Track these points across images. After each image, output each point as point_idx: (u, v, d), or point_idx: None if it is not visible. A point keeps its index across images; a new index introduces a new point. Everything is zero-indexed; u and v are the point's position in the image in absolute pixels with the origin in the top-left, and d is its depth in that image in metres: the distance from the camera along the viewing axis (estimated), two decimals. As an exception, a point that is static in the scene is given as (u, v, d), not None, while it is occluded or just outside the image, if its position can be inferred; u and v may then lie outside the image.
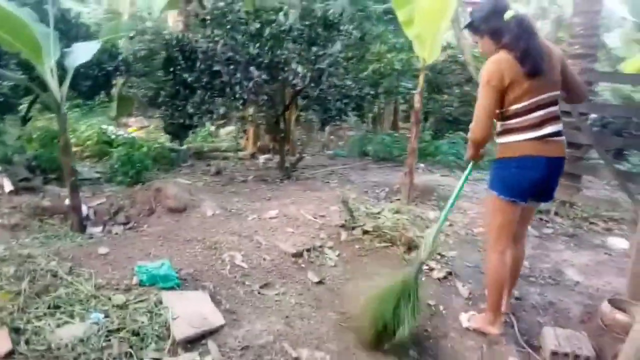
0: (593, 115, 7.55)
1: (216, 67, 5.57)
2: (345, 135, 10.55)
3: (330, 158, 8.35)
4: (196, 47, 5.83)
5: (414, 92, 5.27)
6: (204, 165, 6.99)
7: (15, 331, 2.25)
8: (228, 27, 5.73)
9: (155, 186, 4.63)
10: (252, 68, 5.46)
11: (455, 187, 2.84)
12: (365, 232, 4.02)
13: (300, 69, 5.50)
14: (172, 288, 2.85)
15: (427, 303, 3.09)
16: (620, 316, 2.89)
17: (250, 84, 5.44)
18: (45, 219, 4.03)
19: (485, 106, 2.49)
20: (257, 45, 5.54)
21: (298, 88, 5.89)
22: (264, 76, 5.52)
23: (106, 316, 2.47)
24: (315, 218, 4.30)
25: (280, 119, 6.50)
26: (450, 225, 4.49)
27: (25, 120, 6.82)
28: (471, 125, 2.59)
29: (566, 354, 2.53)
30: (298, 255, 3.61)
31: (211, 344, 2.42)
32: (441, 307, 3.13)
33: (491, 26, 2.55)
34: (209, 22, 5.85)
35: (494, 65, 2.47)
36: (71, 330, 2.31)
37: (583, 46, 5.81)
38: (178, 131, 6.46)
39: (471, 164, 2.75)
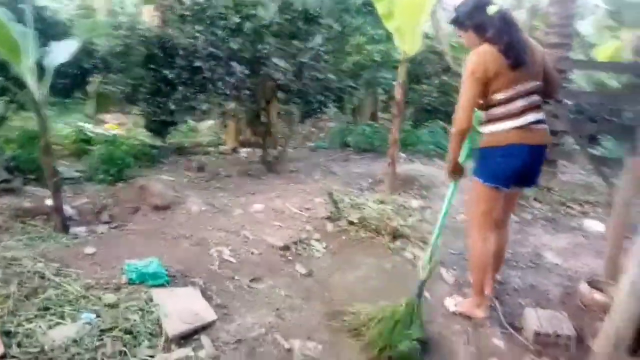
0: (567, 102, 7.72)
1: (197, 63, 5.54)
2: (325, 126, 10.58)
3: (312, 150, 8.38)
4: (176, 43, 5.78)
5: (393, 82, 5.33)
6: (186, 161, 6.93)
7: (6, 334, 2.25)
8: (208, 22, 5.70)
9: (138, 184, 4.60)
10: (233, 63, 5.45)
11: (442, 206, 2.88)
12: (351, 223, 4.08)
13: (281, 63, 5.51)
14: (162, 285, 2.87)
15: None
16: (598, 296, 3.01)
17: (233, 79, 5.43)
18: (28, 220, 3.97)
19: (469, 97, 2.57)
20: (238, 40, 5.52)
21: (280, 82, 5.90)
22: (246, 71, 5.51)
23: (98, 316, 2.47)
24: (300, 211, 4.34)
25: (262, 113, 6.50)
26: (433, 213, 4.58)
27: (1, 120, 6.68)
28: (454, 116, 2.65)
29: (548, 334, 2.63)
30: (285, 248, 3.65)
31: (204, 339, 2.45)
32: (427, 294, 3.20)
33: (475, 21, 2.61)
34: (188, 17, 5.81)
35: (478, 58, 2.54)
36: (63, 331, 2.32)
37: (558, 35, 5.95)
38: (160, 128, 6.41)
39: (453, 183, 2.82)
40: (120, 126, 9.42)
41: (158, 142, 7.04)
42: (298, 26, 6.01)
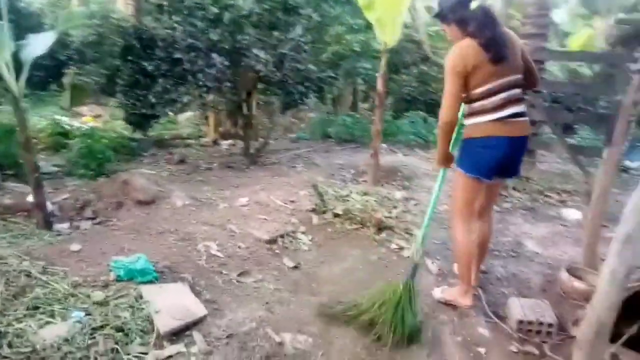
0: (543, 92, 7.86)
1: (177, 55, 5.47)
2: (306, 117, 10.58)
3: (293, 141, 8.39)
4: (155, 34, 5.69)
5: (372, 72, 5.35)
6: (166, 154, 6.85)
7: (-4, 335, 2.23)
8: (185, 12, 5.62)
9: (121, 178, 4.55)
10: (214, 55, 5.40)
11: (433, 190, 2.96)
12: (336, 215, 4.13)
13: (262, 54, 5.48)
14: (150, 282, 2.86)
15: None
16: (577, 284, 3.12)
17: (213, 71, 5.38)
18: (9, 217, 3.90)
19: (452, 91, 2.62)
20: (218, 31, 5.46)
21: (261, 74, 5.87)
22: (226, 62, 5.46)
23: (88, 314, 2.46)
24: (285, 204, 4.36)
25: (243, 105, 6.46)
26: (416, 204, 4.65)
27: (-25, 115, 6.50)
28: (440, 110, 2.71)
29: (531, 322, 2.72)
30: (272, 241, 3.67)
31: (196, 335, 2.46)
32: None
33: (458, 15, 2.66)
34: (165, 7, 5.72)
35: (458, 52, 2.60)
36: (54, 330, 2.30)
37: (534, 26, 6.04)
38: (141, 121, 6.32)
39: (442, 170, 2.90)
40: (96, 118, 9.25)
41: (137, 135, 6.95)
42: (278, 16, 5.98)
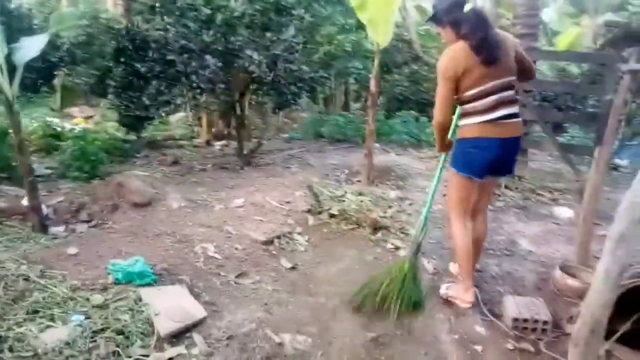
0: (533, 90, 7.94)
1: (170, 56, 5.46)
2: (298, 117, 10.60)
3: (287, 141, 8.40)
4: (147, 35, 5.67)
5: (363, 72, 5.39)
6: (159, 155, 6.84)
7: (-4, 339, 2.23)
8: (178, 14, 5.62)
9: (116, 181, 4.53)
10: (207, 56, 5.40)
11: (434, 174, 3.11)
12: (332, 216, 4.15)
13: (255, 55, 5.49)
14: (149, 284, 2.87)
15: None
16: (570, 281, 3.17)
17: (207, 72, 5.38)
18: (4, 221, 3.88)
19: (443, 94, 2.70)
20: (210, 32, 5.47)
21: (254, 75, 5.88)
22: (219, 64, 5.47)
23: (87, 317, 2.47)
24: (281, 205, 4.38)
25: (236, 105, 6.47)
26: (411, 204, 4.69)
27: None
28: (433, 110, 2.76)
29: (526, 320, 2.76)
30: (269, 242, 3.69)
31: (196, 337, 2.48)
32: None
33: (452, 17, 2.70)
34: (157, 9, 5.70)
35: (450, 56, 2.66)
36: (55, 334, 2.31)
37: (525, 26, 6.10)
38: (134, 123, 6.30)
39: (442, 155, 3.02)
40: (87, 119, 9.20)
41: (129, 136, 6.93)
42: (270, 17, 5.99)
